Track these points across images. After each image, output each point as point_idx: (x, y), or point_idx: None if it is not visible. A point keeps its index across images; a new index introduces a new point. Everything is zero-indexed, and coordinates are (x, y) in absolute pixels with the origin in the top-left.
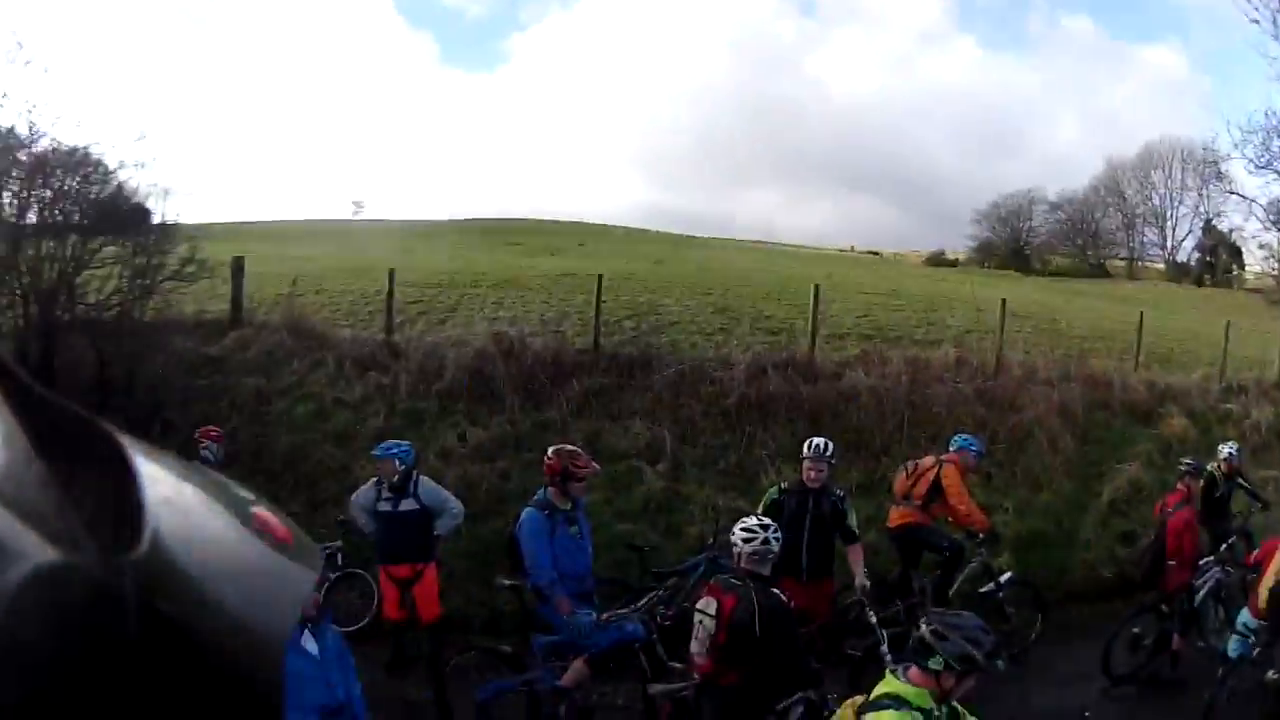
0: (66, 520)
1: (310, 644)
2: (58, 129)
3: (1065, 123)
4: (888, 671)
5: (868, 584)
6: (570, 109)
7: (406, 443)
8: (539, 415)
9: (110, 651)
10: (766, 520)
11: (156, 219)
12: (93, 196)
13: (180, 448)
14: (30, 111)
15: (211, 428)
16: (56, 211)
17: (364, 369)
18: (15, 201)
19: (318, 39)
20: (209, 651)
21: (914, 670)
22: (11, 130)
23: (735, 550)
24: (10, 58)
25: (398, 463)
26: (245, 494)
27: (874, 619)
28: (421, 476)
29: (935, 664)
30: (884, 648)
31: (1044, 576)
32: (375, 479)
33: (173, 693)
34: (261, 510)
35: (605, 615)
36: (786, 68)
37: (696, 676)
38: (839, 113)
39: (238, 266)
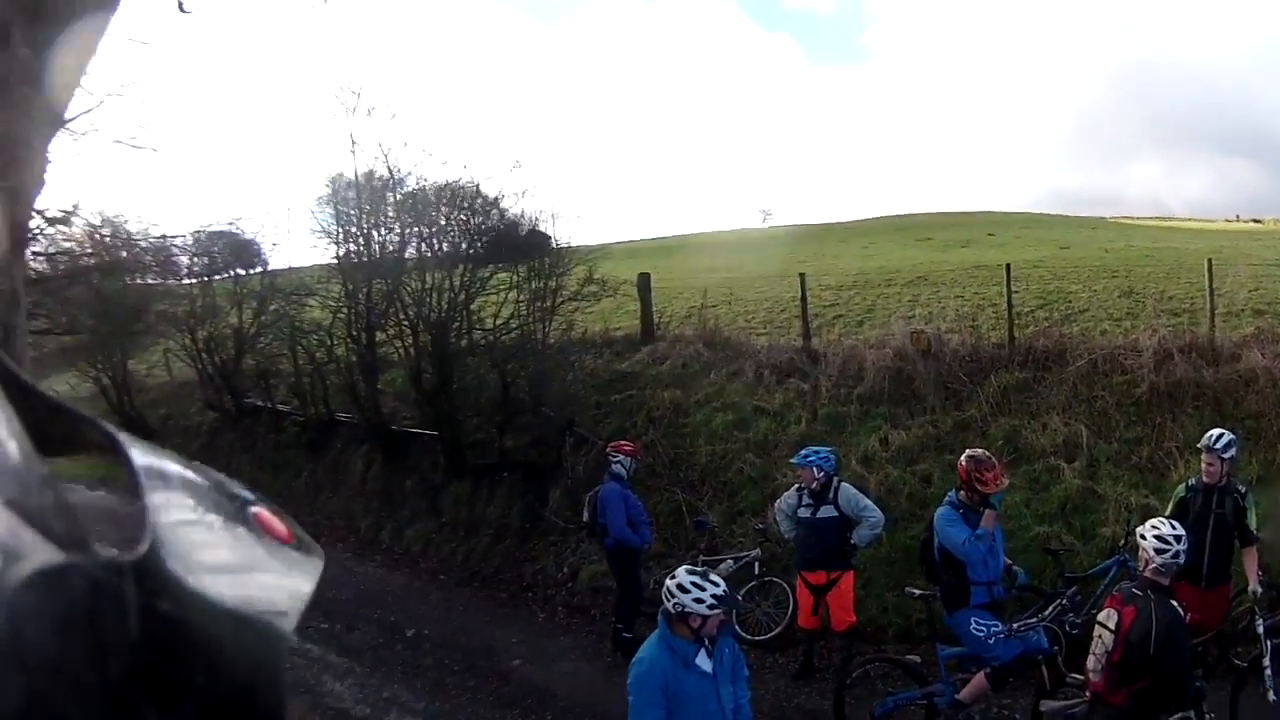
0: (66, 520)
1: (705, 662)
2: (422, 168)
3: None
4: None
5: (1260, 590)
6: (944, 98)
7: (827, 449)
8: (959, 414)
9: (110, 651)
10: (1180, 531)
11: (551, 244)
12: (479, 227)
13: (590, 461)
14: (386, 155)
15: (625, 442)
16: (440, 244)
17: (783, 375)
18: (396, 239)
19: (687, 59)
20: (209, 651)
21: None
22: (371, 174)
23: (1142, 555)
24: (350, 107)
25: (816, 470)
26: (245, 494)
27: (1261, 628)
28: (843, 484)
29: None
30: (1266, 660)
31: None
32: (798, 485)
33: (174, 692)
34: (262, 510)
35: (1016, 625)
36: (1139, 30)
37: (1087, 694)
38: (1194, 73)
39: (644, 283)
